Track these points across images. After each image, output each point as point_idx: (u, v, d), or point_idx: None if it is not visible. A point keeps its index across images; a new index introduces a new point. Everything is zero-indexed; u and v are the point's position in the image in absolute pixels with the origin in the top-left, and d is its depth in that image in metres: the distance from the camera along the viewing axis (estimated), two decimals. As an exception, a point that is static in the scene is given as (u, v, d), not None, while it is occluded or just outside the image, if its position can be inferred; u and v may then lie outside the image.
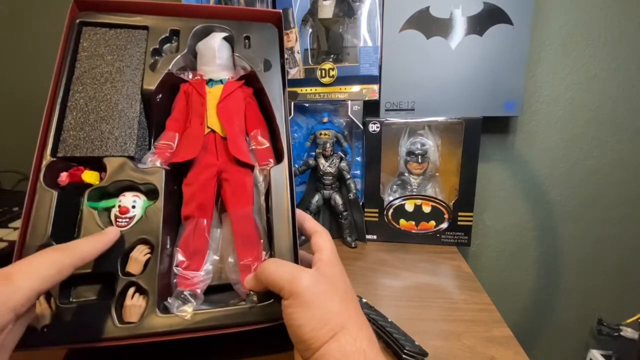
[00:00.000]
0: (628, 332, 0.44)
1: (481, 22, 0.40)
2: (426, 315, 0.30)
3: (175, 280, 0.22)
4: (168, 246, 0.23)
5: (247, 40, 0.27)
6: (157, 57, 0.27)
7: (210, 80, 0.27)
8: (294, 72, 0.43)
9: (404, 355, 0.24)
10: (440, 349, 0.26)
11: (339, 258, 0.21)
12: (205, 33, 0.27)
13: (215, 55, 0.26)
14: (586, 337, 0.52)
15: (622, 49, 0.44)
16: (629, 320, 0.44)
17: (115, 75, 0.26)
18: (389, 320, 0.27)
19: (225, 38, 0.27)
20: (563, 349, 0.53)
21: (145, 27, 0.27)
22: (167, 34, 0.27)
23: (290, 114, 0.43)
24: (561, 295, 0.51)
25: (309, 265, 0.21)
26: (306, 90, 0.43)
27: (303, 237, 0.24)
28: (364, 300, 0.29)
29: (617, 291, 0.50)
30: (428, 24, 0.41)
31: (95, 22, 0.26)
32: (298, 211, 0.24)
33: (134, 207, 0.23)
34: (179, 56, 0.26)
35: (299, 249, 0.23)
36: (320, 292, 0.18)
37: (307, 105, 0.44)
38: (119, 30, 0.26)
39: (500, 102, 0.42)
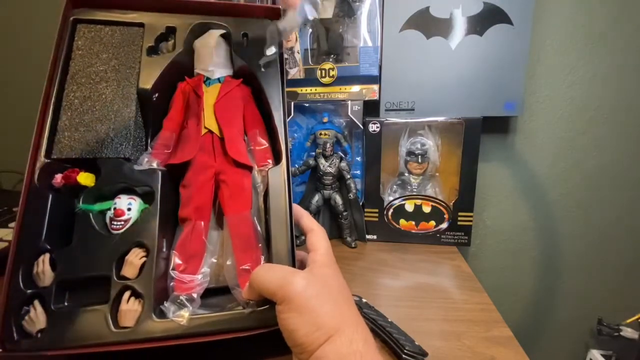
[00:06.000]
0: (628, 332, 0.44)
1: (481, 22, 0.40)
2: (426, 315, 0.30)
3: (171, 284, 0.22)
4: (164, 249, 0.23)
5: (245, 38, 0.27)
6: (153, 55, 0.26)
7: (208, 79, 0.26)
8: (294, 72, 0.43)
9: (404, 355, 0.24)
10: (440, 349, 0.26)
11: (333, 257, 0.21)
12: (202, 30, 0.27)
13: (213, 53, 0.26)
14: (586, 337, 0.52)
15: (622, 49, 0.44)
16: (629, 320, 0.44)
17: (110, 74, 0.25)
18: (389, 320, 0.27)
19: (222, 35, 0.27)
20: (563, 349, 0.53)
21: (141, 25, 0.26)
22: (164, 31, 0.27)
23: (290, 114, 0.43)
24: (561, 295, 0.52)
25: (305, 264, 0.20)
26: (306, 90, 0.43)
27: (303, 237, 0.24)
28: (364, 300, 0.29)
29: (617, 291, 0.50)
30: (428, 24, 0.41)
31: (89, 20, 0.26)
32: (296, 207, 0.23)
33: (129, 209, 0.22)
34: (175, 54, 0.26)
35: (298, 249, 0.23)
36: (313, 295, 0.17)
37: (307, 105, 0.44)
38: (114, 27, 0.26)
39: (500, 102, 0.42)
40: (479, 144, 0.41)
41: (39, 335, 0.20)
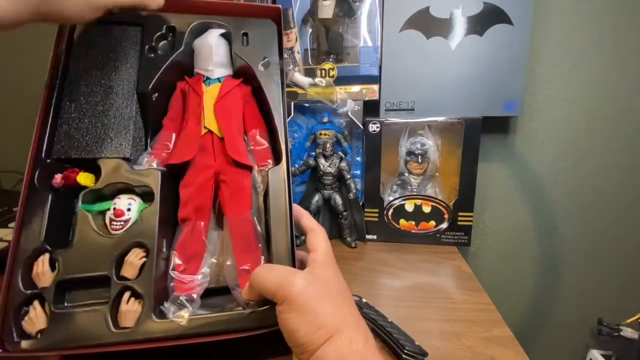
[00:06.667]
0: (628, 332, 0.44)
1: (481, 22, 0.40)
2: (426, 315, 0.30)
3: (171, 284, 0.22)
4: (164, 249, 0.23)
5: (245, 37, 0.27)
6: (152, 55, 0.26)
7: (208, 78, 0.26)
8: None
9: (404, 355, 0.24)
10: (440, 349, 0.26)
11: (333, 257, 0.21)
12: (202, 30, 0.27)
13: (212, 52, 0.26)
14: (586, 337, 0.52)
15: (622, 49, 0.44)
16: (629, 320, 0.44)
17: (109, 73, 0.25)
18: (389, 320, 0.27)
19: (222, 35, 0.27)
20: (563, 349, 0.53)
21: (140, 24, 0.26)
22: (163, 31, 0.26)
23: (290, 114, 0.43)
24: (561, 295, 0.52)
25: (305, 264, 0.20)
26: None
27: (303, 237, 0.24)
28: (364, 300, 0.29)
29: (617, 291, 0.50)
30: (428, 24, 0.41)
31: None
32: (296, 207, 0.23)
33: (129, 209, 0.22)
34: (175, 54, 0.26)
35: (298, 249, 0.23)
36: (313, 295, 0.17)
37: (307, 105, 0.44)
38: (113, 27, 0.26)
39: (500, 102, 0.42)
40: (479, 144, 0.41)
41: (39, 335, 0.20)
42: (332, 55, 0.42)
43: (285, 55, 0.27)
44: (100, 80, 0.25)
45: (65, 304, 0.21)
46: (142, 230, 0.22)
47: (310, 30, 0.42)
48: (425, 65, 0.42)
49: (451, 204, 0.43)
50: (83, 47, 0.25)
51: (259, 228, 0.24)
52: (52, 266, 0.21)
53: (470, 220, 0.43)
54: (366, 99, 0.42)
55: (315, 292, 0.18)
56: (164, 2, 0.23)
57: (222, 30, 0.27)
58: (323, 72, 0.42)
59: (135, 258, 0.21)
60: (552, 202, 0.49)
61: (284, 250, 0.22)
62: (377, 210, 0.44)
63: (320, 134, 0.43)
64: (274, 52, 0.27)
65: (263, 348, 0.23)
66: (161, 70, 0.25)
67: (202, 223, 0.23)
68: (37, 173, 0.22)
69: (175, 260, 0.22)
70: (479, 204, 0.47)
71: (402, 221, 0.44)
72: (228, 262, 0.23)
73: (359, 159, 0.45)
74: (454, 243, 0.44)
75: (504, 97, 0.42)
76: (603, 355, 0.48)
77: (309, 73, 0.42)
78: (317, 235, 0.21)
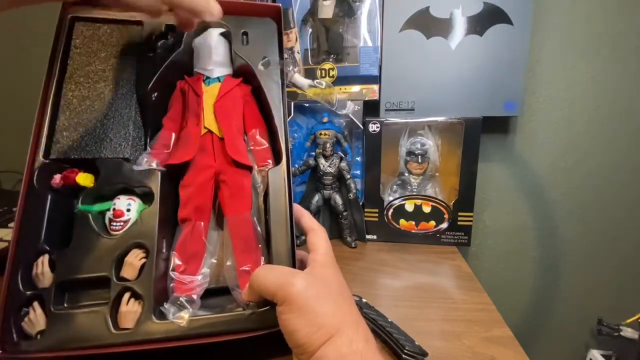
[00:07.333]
0: (628, 332, 0.44)
1: (481, 22, 0.40)
2: (426, 315, 0.30)
3: (171, 285, 0.22)
4: (164, 250, 0.23)
5: (245, 36, 0.27)
6: (151, 54, 0.26)
7: (207, 78, 0.26)
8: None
9: (404, 355, 0.24)
10: (440, 349, 0.26)
11: (333, 257, 0.21)
12: (201, 29, 0.27)
13: (212, 52, 0.26)
14: (586, 337, 0.52)
15: (622, 49, 0.44)
16: (629, 320, 0.44)
17: (109, 73, 0.25)
18: (389, 320, 0.27)
19: (222, 34, 0.26)
20: (563, 349, 0.53)
21: (139, 23, 0.26)
22: (163, 30, 0.26)
23: (290, 114, 0.43)
24: (561, 295, 0.52)
25: (305, 264, 0.20)
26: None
27: (304, 237, 0.24)
28: (364, 300, 0.29)
29: (617, 291, 0.50)
30: (428, 24, 0.41)
31: (87, 18, 0.25)
32: (296, 207, 0.23)
33: (128, 210, 0.22)
34: (174, 53, 0.26)
35: (299, 249, 0.23)
36: (313, 296, 0.17)
37: (307, 105, 0.44)
38: (113, 26, 0.26)
39: (500, 102, 0.42)
40: (479, 144, 0.41)
41: (39, 337, 0.20)
42: (332, 55, 0.42)
43: (285, 55, 0.27)
44: (99, 80, 0.25)
45: (65, 305, 0.21)
46: (141, 230, 0.22)
47: (310, 30, 0.42)
48: (425, 65, 0.42)
49: (451, 204, 0.43)
50: (82, 47, 0.25)
51: (259, 228, 0.24)
52: (52, 267, 0.21)
53: (470, 220, 0.43)
54: (366, 99, 0.42)
55: (315, 292, 0.18)
56: (221, 15, 0.22)
57: (222, 29, 0.26)
58: (323, 72, 0.42)
59: (135, 259, 0.21)
60: (552, 202, 0.49)
61: (284, 251, 0.22)
62: (377, 210, 0.44)
63: (320, 134, 0.43)
64: (274, 51, 0.27)
65: (263, 348, 0.23)
66: (160, 70, 0.25)
67: (202, 223, 0.23)
68: (36, 173, 0.22)
69: (175, 260, 0.22)
70: (479, 204, 0.47)
71: (402, 221, 0.44)
72: (228, 263, 0.23)
73: (359, 159, 0.45)
74: (454, 243, 0.44)
75: (504, 97, 0.42)
76: (603, 355, 0.48)
77: (309, 73, 0.42)
78: (317, 235, 0.21)
